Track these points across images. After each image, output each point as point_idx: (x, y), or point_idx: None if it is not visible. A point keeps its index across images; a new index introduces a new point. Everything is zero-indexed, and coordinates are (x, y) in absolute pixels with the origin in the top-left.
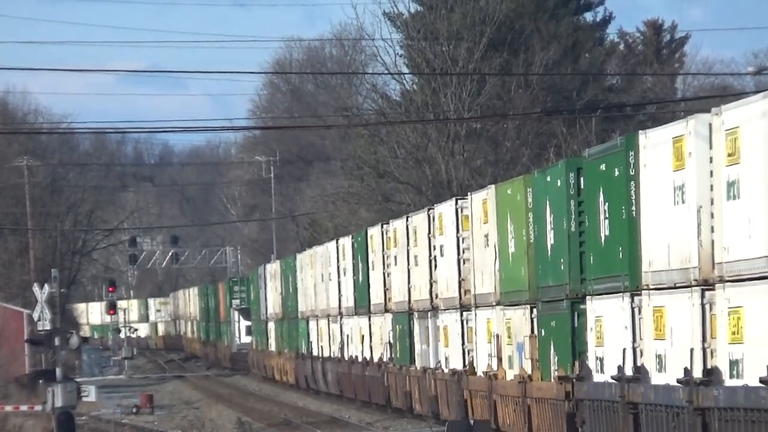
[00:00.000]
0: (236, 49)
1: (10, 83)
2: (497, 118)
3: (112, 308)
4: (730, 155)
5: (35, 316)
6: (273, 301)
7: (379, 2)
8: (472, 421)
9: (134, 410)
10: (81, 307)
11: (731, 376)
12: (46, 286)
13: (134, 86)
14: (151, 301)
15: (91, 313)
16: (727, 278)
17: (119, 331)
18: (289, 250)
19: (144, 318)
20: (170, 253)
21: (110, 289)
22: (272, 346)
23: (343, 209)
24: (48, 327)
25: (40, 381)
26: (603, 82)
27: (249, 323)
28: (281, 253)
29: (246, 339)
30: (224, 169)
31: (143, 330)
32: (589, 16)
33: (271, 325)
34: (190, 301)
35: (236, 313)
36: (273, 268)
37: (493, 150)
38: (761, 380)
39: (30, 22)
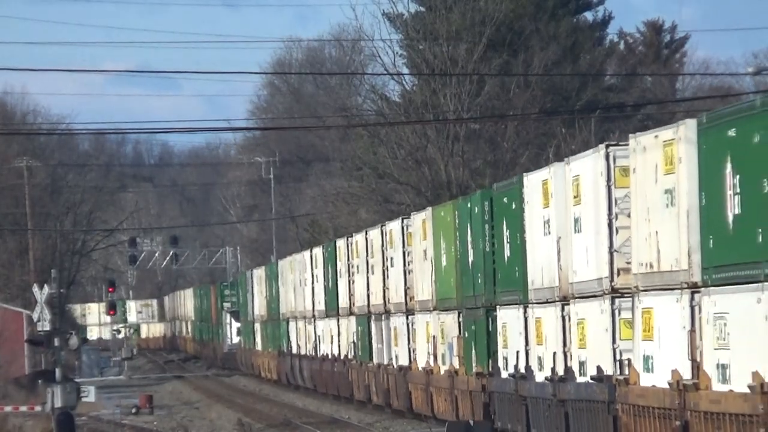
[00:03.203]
0: (230, 49)
1: (8, 84)
2: (496, 119)
3: (112, 309)
4: (575, 197)
5: (35, 316)
6: (259, 304)
7: (379, 2)
8: (471, 422)
9: (134, 411)
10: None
11: (580, 374)
12: (46, 287)
13: (130, 87)
14: (130, 303)
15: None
16: (576, 295)
17: (119, 331)
18: (289, 250)
19: (122, 320)
20: (170, 254)
21: (110, 289)
22: (258, 346)
23: (343, 210)
24: (48, 327)
25: (40, 381)
26: (602, 83)
27: (239, 325)
28: (281, 253)
29: (237, 340)
30: (224, 170)
31: (124, 331)
32: (588, 16)
33: (258, 326)
34: (185, 302)
35: (228, 315)
36: (259, 273)
37: (493, 150)
38: (592, 378)
39: (18, 22)
